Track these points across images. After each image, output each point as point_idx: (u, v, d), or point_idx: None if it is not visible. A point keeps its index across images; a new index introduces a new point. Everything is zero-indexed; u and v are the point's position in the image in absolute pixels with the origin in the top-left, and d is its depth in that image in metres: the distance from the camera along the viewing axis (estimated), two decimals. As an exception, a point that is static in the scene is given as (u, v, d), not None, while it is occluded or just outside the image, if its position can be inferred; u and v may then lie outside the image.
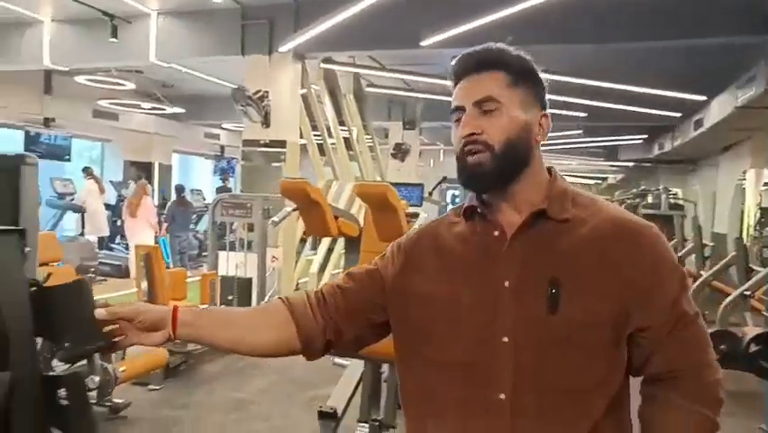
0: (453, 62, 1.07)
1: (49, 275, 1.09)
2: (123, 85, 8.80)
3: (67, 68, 7.61)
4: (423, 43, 5.20)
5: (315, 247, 7.52)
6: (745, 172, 9.92)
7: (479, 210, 1.07)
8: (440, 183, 7.26)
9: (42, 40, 7.09)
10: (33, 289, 1.02)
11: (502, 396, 0.96)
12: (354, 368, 3.35)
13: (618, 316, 0.97)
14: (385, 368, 3.53)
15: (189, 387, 4.58)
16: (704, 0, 5.11)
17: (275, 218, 2.36)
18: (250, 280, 5.72)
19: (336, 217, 2.58)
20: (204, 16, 6.40)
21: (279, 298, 1.12)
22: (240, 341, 1.08)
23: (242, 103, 5.71)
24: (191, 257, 10.86)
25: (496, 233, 1.03)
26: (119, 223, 11.33)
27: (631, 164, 15.51)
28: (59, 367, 1.23)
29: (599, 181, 23.70)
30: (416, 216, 2.61)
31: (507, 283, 0.99)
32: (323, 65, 7.04)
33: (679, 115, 9.20)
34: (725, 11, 5.02)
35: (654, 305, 0.99)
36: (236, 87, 5.66)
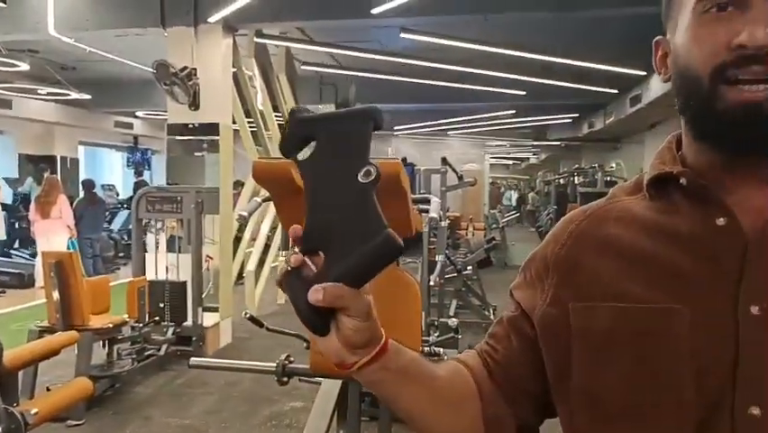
0: None
1: None
2: (15, 66, 7.63)
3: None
4: (375, 11, 4.67)
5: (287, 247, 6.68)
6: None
7: (682, 181, 0.63)
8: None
9: None
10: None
11: None
12: (330, 386, 2.81)
13: None
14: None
15: (119, 417, 3.86)
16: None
17: (243, 212, 1.78)
18: (184, 283, 5.02)
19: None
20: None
21: (458, 361, 0.74)
22: (429, 421, 0.68)
23: (165, 81, 4.94)
24: (106, 259, 9.84)
25: (721, 220, 0.61)
26: (17, 225, 10.10)
27: (561, 144, 15.81)
28: None
29: (518, 162, 23.93)
30: (425, 201, 2.09)
31: (755, 309, 0.57)
32: (255, 39, 6.33)
33: (615, 91, 9.23)
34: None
35: None
36: (159, 61, 4.87)
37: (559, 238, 0.71)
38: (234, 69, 5.94)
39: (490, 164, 17.11)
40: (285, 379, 2.37)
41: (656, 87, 7.89)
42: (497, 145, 16.96)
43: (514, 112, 11.92)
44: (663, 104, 8.17)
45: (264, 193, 1.84)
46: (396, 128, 15.18)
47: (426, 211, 1.95)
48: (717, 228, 0.61)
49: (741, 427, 0.56)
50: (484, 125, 13.62)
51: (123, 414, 3.89)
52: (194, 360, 2.53)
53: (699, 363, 0.58)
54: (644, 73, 7.80)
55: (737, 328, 0.57)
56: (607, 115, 10.89)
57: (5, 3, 4.88)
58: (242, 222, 2.18)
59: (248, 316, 2.09)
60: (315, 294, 0.52)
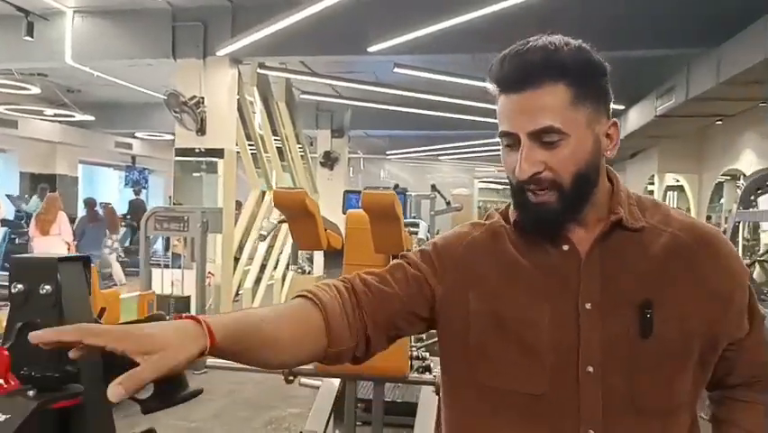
0: (495, 64, 0.89)
1: (103, 310, 0.87)
2: (26, 89, 7.99)
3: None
4: (371, 49, 5.10)
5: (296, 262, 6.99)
6: (653, 176, 10.73)
7: None
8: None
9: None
10: None
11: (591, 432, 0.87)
12: (328, 387, 3.16)
13: (710, 332, 0.90)
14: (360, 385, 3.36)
15: (129, 419, 4.15)
16: (632, 16, 5.42)
17: (263, 231, 2.13)
18: (188, 298, 5.34)
19: (325, 229, 2.40)
20: (129, 16, 5.94)
21: (308, 297, 0.88)
22: (272, 359, 0.84)
23: (175, 109, 5.33)
24: (105, 276, 10.09)
25: (565, 247, 0.92)
26: (18, 241, 10.35)
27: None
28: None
29: (507, 186, 24.23)
30: (414, 225, 2.47)
31: (588, 306, 0.88)
32: (258, 70, 6.75)
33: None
34: (651, 26, 5.37)
35: (739, 314, 0.94)
36: (170, 91, 5.27)
37: (462, 240, 0.98)
38: (238, 97, 6.36)
39: (480, 188, 17.58)
40: (291, 378, 2.69)
41: (634, 119, 8.39)
42: (485, 171, 17.44)
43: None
44: (641, 135, 8.66)
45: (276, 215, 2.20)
46: (388, 152, 15.62)
47: (416, 233, 2.32)
48: (563, 252, 0.91)
49: (582, 378, 0.87)
50: (474, 152, 14.07)
51: (133, 417, 4.16)
52: (209, 361, 2.87)
53: (555, 339, 0.88)
54: (623, 107, 8.31)
55: (578, 318, 0.88)
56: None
57: (32, 37, 5.28)
58: (262, 240, 2.53)
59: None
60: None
